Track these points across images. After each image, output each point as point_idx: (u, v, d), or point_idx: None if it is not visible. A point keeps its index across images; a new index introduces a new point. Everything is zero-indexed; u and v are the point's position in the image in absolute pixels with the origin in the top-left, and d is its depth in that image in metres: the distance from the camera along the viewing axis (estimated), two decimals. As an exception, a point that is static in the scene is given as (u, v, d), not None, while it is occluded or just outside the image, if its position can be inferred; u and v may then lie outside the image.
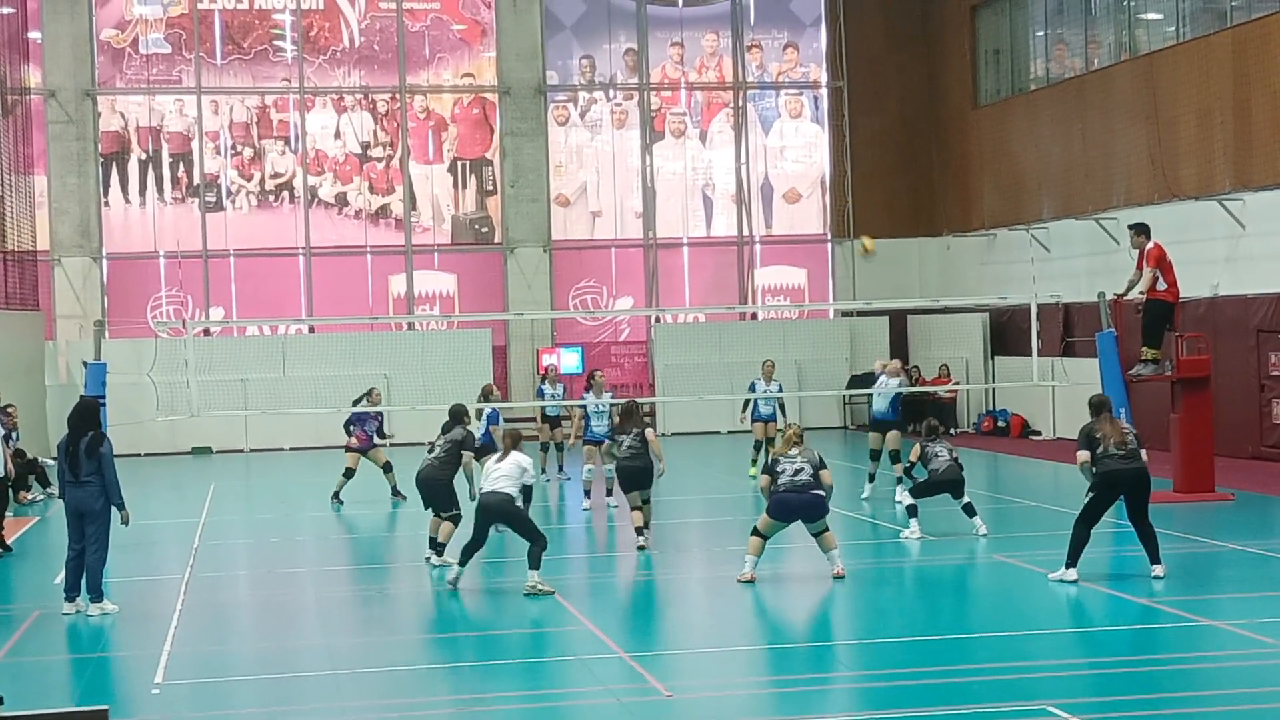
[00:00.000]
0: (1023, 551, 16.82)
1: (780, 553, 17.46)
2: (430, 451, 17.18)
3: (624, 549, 18.44)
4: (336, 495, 22.91)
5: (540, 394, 26.37)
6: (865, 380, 34.96)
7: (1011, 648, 12.51)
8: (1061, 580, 14.89)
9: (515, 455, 15.48)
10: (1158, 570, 15.14)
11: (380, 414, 23.87)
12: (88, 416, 14.82)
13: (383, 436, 23.41)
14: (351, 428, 23.23)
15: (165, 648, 13.11)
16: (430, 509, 17.28)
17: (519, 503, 15.35)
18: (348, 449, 23.22)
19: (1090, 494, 15.06)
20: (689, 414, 34.33)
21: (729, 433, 33.87)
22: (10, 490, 20.79)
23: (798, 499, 15.23)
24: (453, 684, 12.01)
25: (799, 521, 15.44)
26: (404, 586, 16.31)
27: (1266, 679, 11.14)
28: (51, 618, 14.60)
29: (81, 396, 15.53)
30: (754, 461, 24.86)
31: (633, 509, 17.97)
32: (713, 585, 15.85)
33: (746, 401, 25.23)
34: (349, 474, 23.01)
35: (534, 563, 15.09)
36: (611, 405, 22.26)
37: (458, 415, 17.66)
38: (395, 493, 23.02)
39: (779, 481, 15.32)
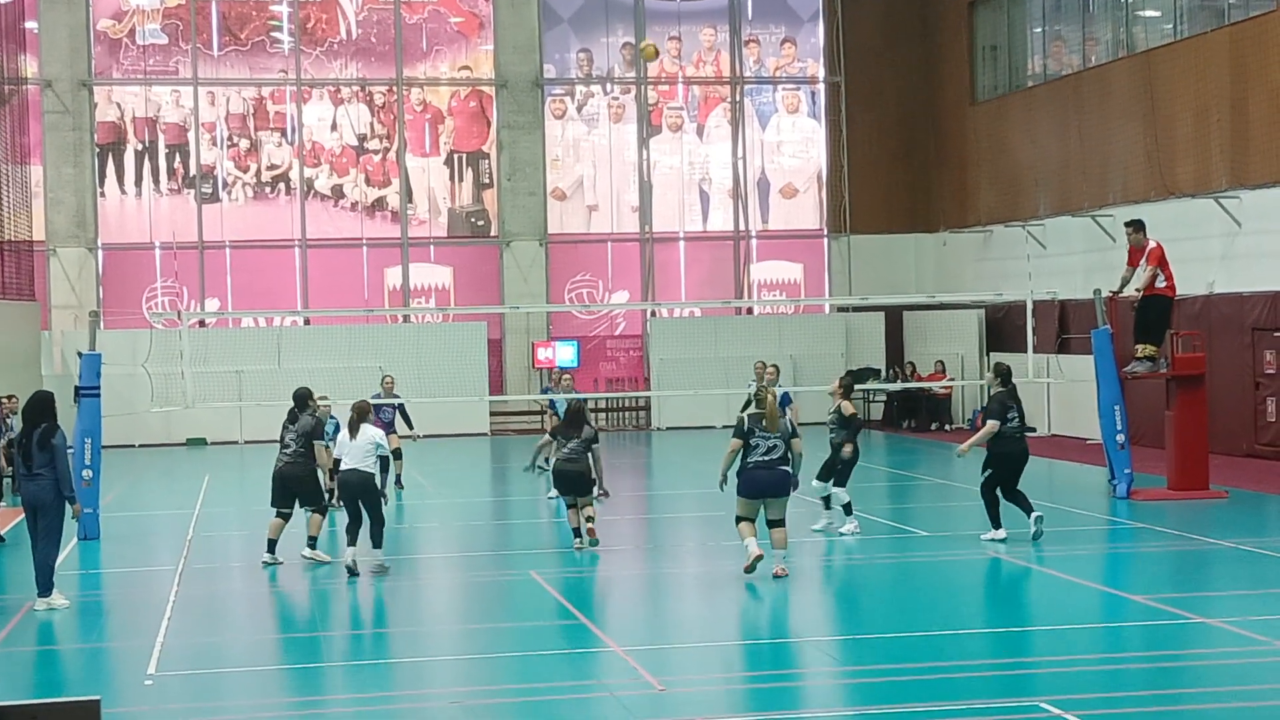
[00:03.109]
0: (1016, 547, 16.82)
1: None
2: (283, 447, 17.19)
3: (614, 542, 18.45)
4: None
5: (546, 393, 26.43)
6: (861, 376, 35.10)
7: (1005, 643, 12.52)
8: (993, 539, 16.92)
9: (366, 429, 16.02)
10: (1036, 514, 16.97)
11: (398, 402, 24.02)
12: (41, 409, 14.65)
13: (410, 425, 23.61)
14: (370, 417, 23.66)
15: (158, 639, 13.09)
16: (283, 504, 17.09)
17: (378, 479, 16.16)
18: None
19: (989, 470, 17.05)
20: (684, 409, 34.36)
21: (724, 427, 33.82)
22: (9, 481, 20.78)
23: (767, 475, 15.17)
24: (447, 677, 12.00)
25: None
26: (396, 579, 16.28)
27: (1260, 676, 11.15)
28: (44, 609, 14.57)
29: (36, 390, 15.40)
30: None
31: (569, 506, 17.52)
32: (706, 579, 15.83)
33: (746, 403, 25.19)
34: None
35: (378, 542, 15.89)
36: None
37: (302, 400, 17.62)
38: (397, 481, 23.36)
39: (750, 458, 15.18)
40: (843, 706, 10.89)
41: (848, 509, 18.10)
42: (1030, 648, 12.46)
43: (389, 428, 23.86)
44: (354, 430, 16.07)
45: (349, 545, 15.96)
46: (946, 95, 37.24)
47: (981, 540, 16.97)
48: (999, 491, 17.14)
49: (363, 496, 15.95)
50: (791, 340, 35.35)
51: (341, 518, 16.74)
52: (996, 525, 17.09)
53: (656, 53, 23.46)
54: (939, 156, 37.61)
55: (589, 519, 17.33)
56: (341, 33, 36.41)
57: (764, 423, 15.14)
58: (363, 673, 12.09)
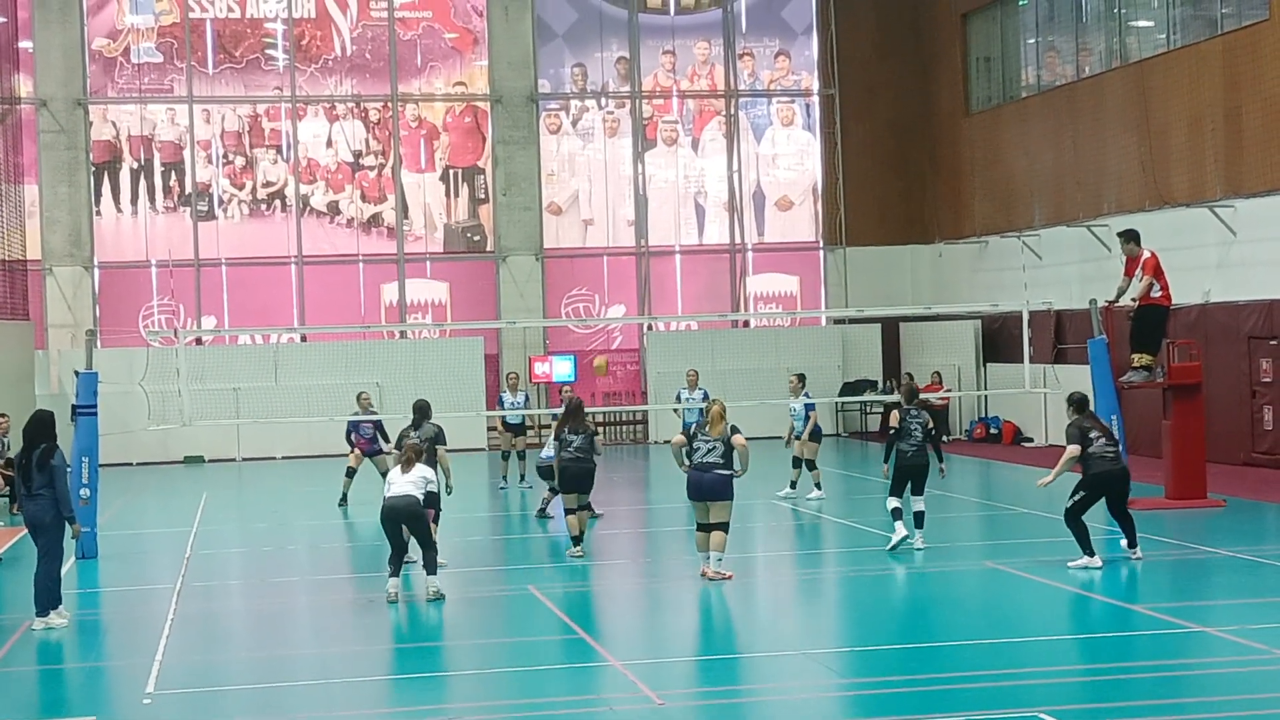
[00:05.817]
0: (1014, 558, 16.82)
1: (771, 559, 17.47)
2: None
3: (610, 556, 18.44)
4: (344, 499, 23.77)
5: (501, 403, 26.30)
6: (857, 388, 35.13)
7: (1004, 654, 12.51)
8: (1086, 567, 16.04)
9: (419, 468, 15.79)
10: (1136, 553, 16.61)
11: (375, 419, 24.12)
12: (41, 429, 14.66)
13: (386, 439, 23.60)
14: (352, 436, 24.13)
15: (157, 657, 13.08)
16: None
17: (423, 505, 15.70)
18: (351, 451, 24.22)
19: (1081, 492, 16.41)
20: (680, 422, 34.24)
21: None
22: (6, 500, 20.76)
23: (702, 477, 16.03)
24: (445, 693, 12.00)
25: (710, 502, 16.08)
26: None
27: (1258, 685, 11.15)
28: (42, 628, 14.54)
29: (36, 410, 15.40)
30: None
31: (568, 511, 18.30)
32: (705, 593, 15.82)
33: (676, 410, 25.95)
34: (350, 473, 23.90)
35: (432, 569, 15.51)
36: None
37: (425, 410, 18.19)
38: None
39: (692, 459, 16.11)
40: (843, 718, 10.88)
41: (893, 514, 17.63)
42: (1029, 658, 12.44)
43: (371, 443, 23.85)
44: (407, 468, 15.74)
45: (392, 575, 15.61)
46: (941, 106, 37.29)
47: (1069, 568, 16.04)
48: (1111, 513, 16.72)
49: (410, 522, 15.54)
50: (788, 352, 35.32)
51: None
52: (1089, 552, 16.17)
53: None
54: (934, 167, 37.65)
55: (581, 533, 18.04)
56: (336, 49, 36.45)
57: (706, 427, 16.07)
58: (362, 689, 12.08)
